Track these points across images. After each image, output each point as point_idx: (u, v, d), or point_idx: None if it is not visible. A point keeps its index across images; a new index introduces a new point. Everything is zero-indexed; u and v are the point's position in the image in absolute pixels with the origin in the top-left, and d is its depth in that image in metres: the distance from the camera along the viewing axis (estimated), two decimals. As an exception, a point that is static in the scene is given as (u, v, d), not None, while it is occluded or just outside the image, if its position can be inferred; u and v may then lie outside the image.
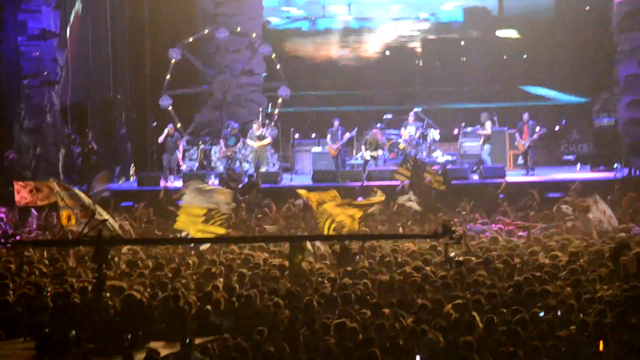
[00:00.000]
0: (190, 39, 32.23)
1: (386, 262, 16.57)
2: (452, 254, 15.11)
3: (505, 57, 36.35)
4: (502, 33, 37.28)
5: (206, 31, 32.59)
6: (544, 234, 20.06)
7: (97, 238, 13.76)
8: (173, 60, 31.95)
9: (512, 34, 37.33)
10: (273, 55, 32.60)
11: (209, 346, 12.38)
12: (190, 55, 32.30)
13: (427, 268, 15.65)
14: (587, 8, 34.87)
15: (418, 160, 25.50)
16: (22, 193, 22.07)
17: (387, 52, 36.51)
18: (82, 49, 31.95)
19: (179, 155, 29.99)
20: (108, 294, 14.04)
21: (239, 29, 33.34)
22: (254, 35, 33.11)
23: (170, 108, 31.53)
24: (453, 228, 14.75)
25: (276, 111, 32.29)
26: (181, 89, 32.61)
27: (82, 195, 18.00)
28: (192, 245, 18.38)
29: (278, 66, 32.50)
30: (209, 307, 13.83)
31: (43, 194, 22.03)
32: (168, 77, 32.07)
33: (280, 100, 32.29)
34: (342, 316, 13.31)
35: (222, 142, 29.89)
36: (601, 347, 11.88)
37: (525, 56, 36.33)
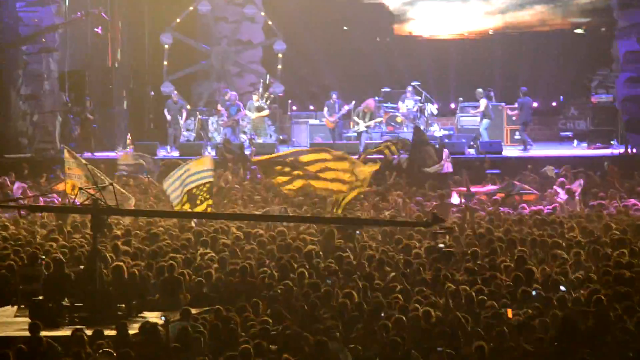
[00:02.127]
0: (178, 20, 31.99)
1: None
2: (441, 245, 14.65)
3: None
4: None
5: (191, 8, 32.32)
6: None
7: (94, 207, 13.78)
8: (166, 46, 31.77)
9: None
10: (262, 13, 32.52)
11: (202, 317, 12.41)
12: (181, 35, 32.10)
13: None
14: None
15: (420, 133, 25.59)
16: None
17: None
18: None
19: (182, 122, 29.93)
20: (107, 262, 14.13)
21: None
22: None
23: (175, 92, 31.22)
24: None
25: (279, 67, 32.17)
26: (181, 71, 32.43)
27: (89, 166, 17.85)
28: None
29: (270, 22, 32.40)
30: (202, 279, 13.88)
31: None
32: (165, 63, 31.87)
33: (280, 55, 32.21)
34: (334, 288, 13.35)
35: (223, 112, 29.73)
36: (509, 314, 11.78)
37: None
